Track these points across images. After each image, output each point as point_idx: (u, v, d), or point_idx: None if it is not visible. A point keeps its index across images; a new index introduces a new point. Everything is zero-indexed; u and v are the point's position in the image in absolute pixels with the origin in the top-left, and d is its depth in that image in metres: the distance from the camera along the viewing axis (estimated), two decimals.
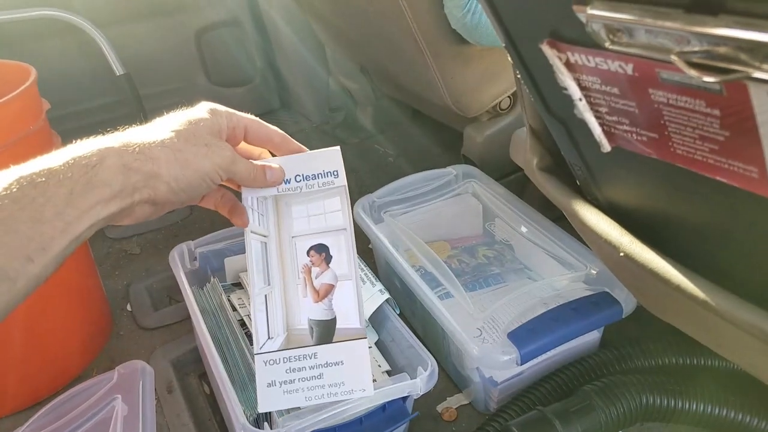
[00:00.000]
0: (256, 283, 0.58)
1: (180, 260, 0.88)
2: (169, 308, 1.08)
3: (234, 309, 0.86)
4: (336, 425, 0.66)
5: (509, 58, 0.47)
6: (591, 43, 0.33)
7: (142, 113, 1.38)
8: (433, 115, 1.42)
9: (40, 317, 0.87)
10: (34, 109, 0.83)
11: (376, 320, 0.82)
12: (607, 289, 0.78)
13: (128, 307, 1.09)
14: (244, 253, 0.92)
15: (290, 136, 0.55)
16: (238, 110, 0.51)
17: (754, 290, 0.37)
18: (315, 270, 0.58)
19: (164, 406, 0.87)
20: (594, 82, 0.37)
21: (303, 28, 1.57)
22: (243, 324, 0.83)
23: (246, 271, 0.89)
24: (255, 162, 0.53)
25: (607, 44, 0.31)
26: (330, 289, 0.58)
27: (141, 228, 1.31)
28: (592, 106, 0.39)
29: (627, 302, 0.76)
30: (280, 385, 0.57)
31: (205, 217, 1.35)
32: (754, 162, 0.30)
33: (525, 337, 0.73)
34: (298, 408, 0.70)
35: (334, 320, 0.57)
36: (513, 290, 0.84)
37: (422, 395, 0.69)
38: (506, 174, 1.17)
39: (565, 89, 0.39)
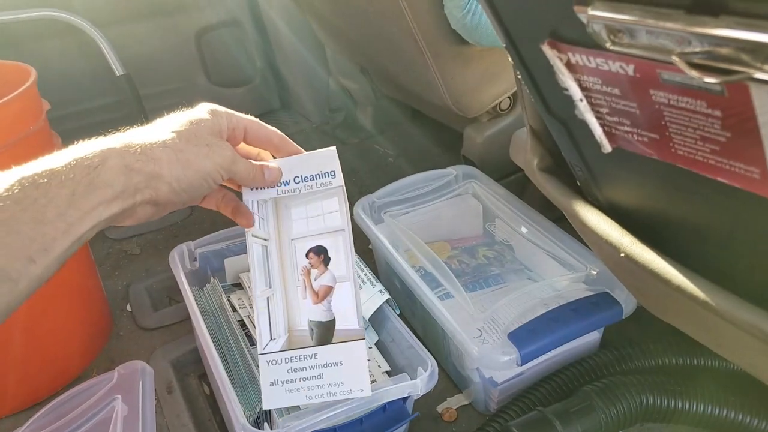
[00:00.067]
0: (257, 286, 0.59)
1: (180, 261, 0.88)
2: (169, 309, 1.08)
3: (234, 309, 0.86)
4: (336, 425, 0.66)
5: (509, 59, 0.47)
6: (592, 44, 0.33)
7: (142, 113, 1.38)
8: (433, 116, 1.42)
9: (41, 318, 0.87)
10: (34, 110, 0.83)
11: (377, 321, 0.82)
12: (607, 290, 0.78)
13: (128, 308, 1.09)
14: (245, 253, 0.92)
15: (290, 136, 0.55)
16: (238, 111, 0.51)
17: (754, 290, 0.37)
18: (314, 272, 0.58)
19: (164, 407, 0.87)
20: (595, 83, 0.37)
21: (303, 28, 1.57)
22: (243, 324, 0.83)
23: (246, 271, 0.90)
24: (253, 162, 0.53)
25: (608, 45, 0.31)
26: (329, 290, 0.58)
27: (141, 228, 1.31)
28: (593, 106, 0.39)
29: (627, 303, 0.76)
30: (282, 384, 0.58)
31: (206, 217, 1.35)
32: (756, 163, 0.30)
33: (525, 337, 0.73)
34: (298, 408, 0.70)
35: (333, 321, 0.58)
36: (513, 291, 0.84)
37: (422, 396, 0.69)
38: (506, 174, 1.17)
39: (566, 90, 0.39)
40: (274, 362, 0.58)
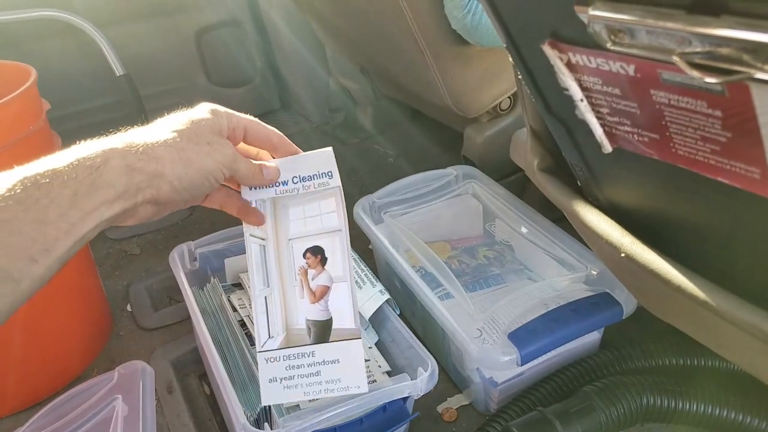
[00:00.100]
0: (256, 285, 0.59)
1: (180, 261, 0.88)
2: (169, 309, 1.08)
3: (234, 309, 0.86)
4: (336, 425, 0.66)
5: (510, 59, 0.47)
6: (592, 44, 0.33)
7: (142, 113, 1.38)
8: (433, 116, 1.42)
9: (41, 318, 0.87)
10: (35, 110, 0.83)
11: (377, 321, 0.82)
12: (607, 290, 0.78)
13: (128, 308, 1.09)
14: (245, 253, 0.92)
15: (290, 136, 0.56)
16: (238, 111, 0.51)
17: (754, 290, 0.37)
18: (311, 272, 0.59)
19: (164, 407, 0.87)
20: (595, 83, 0.37)
21: (303, 28, 1.57)
22: (243, 324, 0.83)
23: (246, 271, 0.90)
24: (252, 161, 0.53)
25: (609, 45, 0.31)
26: (326, 290, 0.59)
27: (141, 229, 1.31)
28: (594, 106, 0.39)
29: (627, 303, 0.76)
30: (281, 381, 0.59)
31: (206, 217, 1.35)
32: (756, 163, 0.30)
33: (525, 337, 0.73)
34: (299, 408, 0.70)
35: (330, 321, 0.59)
36: (513, 291, 0.84)
37: (422, 396, 0.69)
38: (506, 174, 1.17)
39: (566, 90, 0.39)
40: (272, 359, 0.59)
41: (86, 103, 1.51)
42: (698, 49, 0.27)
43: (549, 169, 0.58)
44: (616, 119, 0.38)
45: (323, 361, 0.59)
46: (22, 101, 0.77)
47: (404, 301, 0.94)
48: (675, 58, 0.27)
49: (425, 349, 0.72)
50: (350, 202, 0.99)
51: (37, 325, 0.87)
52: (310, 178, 0.56)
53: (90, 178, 0.39)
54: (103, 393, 0.67)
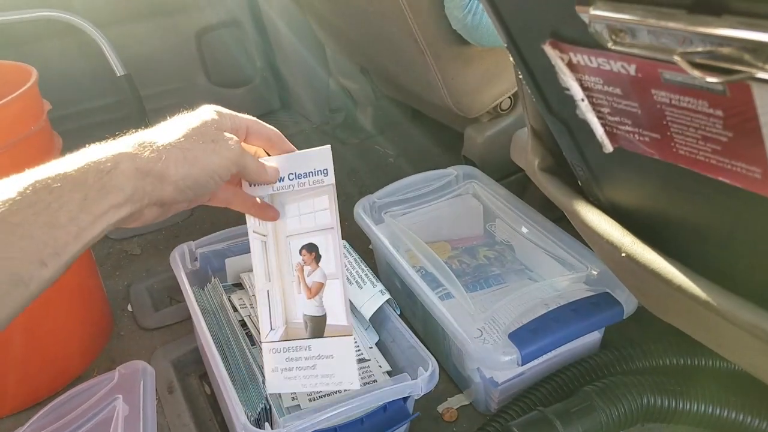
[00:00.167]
0: (258, 279, 0.62)
1: (181, 260, 0.89)
2: (170, 308, 1.08)
3: (235, 309, 0.86)
4: (337, 425, 0.66)
5: (510, 59, 0.47)
6: (593, 44, 0.33)
7: (142, 114, 1.38)
8: (433, 116, 1.42)
9: (41, 318, 0.87)
10: (35, 110, 0.83)
11: (377, 321, 0.82)
12: (608, 290, 0.78)
13: (129, 308, 1.09)
14: (245, 253, 0.94)
15: (290, 136, 0.56)
16: (239, 111, 0.53)
17: (754, 290, 0.37)
18: (307, 268, 0.61)
19: (165, 407, 0.87)
20: (596, 83, 0.37)
21: (303, 28, 1.57)
22: (244, 324, 0.83)
23: (247, 271, 0.91)
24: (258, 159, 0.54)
25: (610, 45, 0.31)
26: (320, 287, 0.61)
27: (142, 229, 1.31)
28: (595, 106, 0.39)
29: (628, 303, 0.76)
30: (282, 371, 0.63)
31: (206, 217, 1.35)
32: (757, 162, 0.30)
33: (526, 337, 0.73)
34: (298, 407, 0.70)
35: (324, 317, 0.61)
36: (514, 291, 0.84)
37: (423, 396, 0.69)
38: (507, 175, 1.17)
39: (567, 90, 0.39)
40: (274, 350, 0.63)
41: (87, 104, 1.51)
42: (699, 49, 0.27)
43: (550, 168, 0.58)
44: (617, 119, 0.38)
45: (319, 355, 0.61)
46: (23, 101, 0.77)
47: (405, 301, 0.94)
48: (676, 58, 0.27)
49: (426, 349, 0.72)
50: (350, 202, 1.00)
51: (38, 325, 0.87)
52: (306, 175, 0.57)
53: (100, 182, 0.39)
54: (103, 393, 0.67)
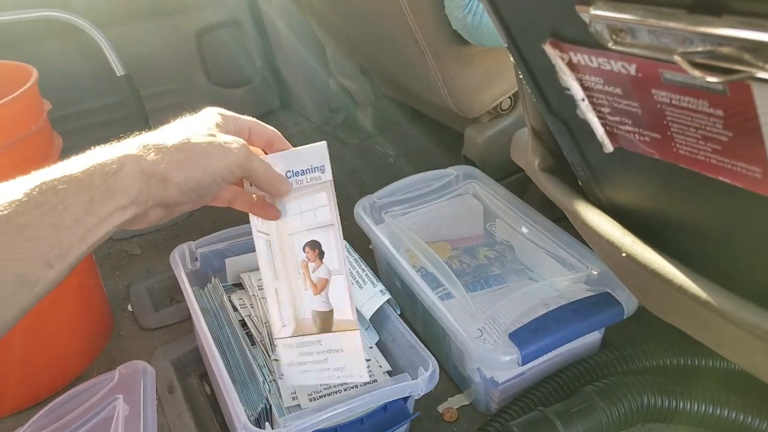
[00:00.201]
0: (266, 278, 0.64)
1: (181, 260, 0.89)
2: (170, 308, 1.08)
3: (235, 309, 0.86)
4: (337, 425, 0.66)
5: (511, 59, 0.47)
6: (594, 44, 0.33)
7: (143, 114, 1.38)
8: (433, 116, 1.42)
9: (41, 318, 0.87)
10: (35, 110, 0.83)
11: (377, 320, 0.82)
12: (608, 290, 0.78)
13: (129, 308, 1.09)
14: (245, 253, 0.94)
15: (291, 136, 0.56)
16: (239, 111, 0.53)
17: (754, 290, 0.37)
18: (311, 265, 0.61)
19: (165, 407, 0.87)
20: (597, 83, 0.37)
21: (303, 28, 1.57)
22: (244, 324, 0.83)
23: (247, 271, 0.91)
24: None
25: (610, 44, 0.31)
26: (326, 283, 0.61)
27: (142, 229, 1.30)
28: (595, 106, 0.39)
29: (628, 303, 0.76)
30: (297, 365, 0.65)
31: (206, 217, 1.35)
32: (757, 162, 0.30)
33: (526, 337, 0.73)
34: (299, 407, 0.70)
35: (331, 312, 0.62)
36: (514, 291, 0.84)
37: (423, 396, 0.69)
38: (507, 175, 1.17)
39: (568, 89, 0.39)
40: (287, 346, 0.65)
41: (87, 104, 1.51)
42: (700, 49, 0.27)
43: (550, 168, 0.58)
44: (617, 119, 0.38)
45: (329, 349, 0.63)
46: (24, 101, 0.77)
47: (405, 301, 0.94)
48: (676, 58, 0.27)
49: (426, 349, 0.72)
50: (350, 202, 1.00)
51: (38, 325, 0.87)
52: (303, 172, 0.57)
53: (106, 184, 0.40)
54: (103, 393, 0.67)
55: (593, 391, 0.74)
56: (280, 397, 0.72)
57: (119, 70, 1.36)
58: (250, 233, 0.63)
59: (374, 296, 0.81)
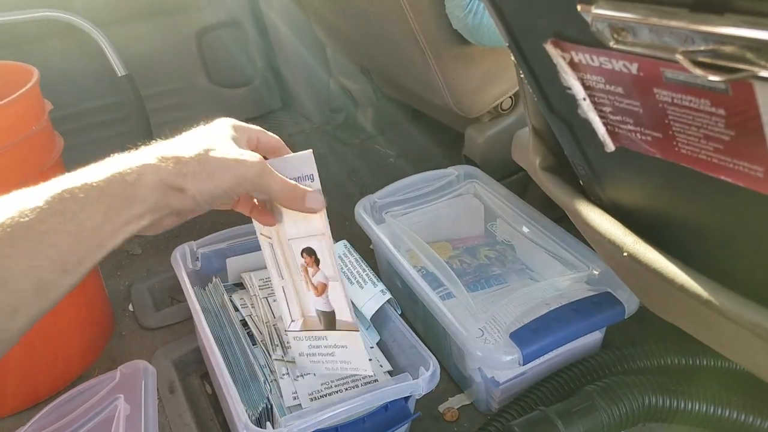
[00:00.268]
0: (273, 277, 0.68)
1: (182, 260, 0.89)
2: (171, 308, 1.08)
3: (236, 309, 0.86)
4: (338, 425, 0.66)
5: (512, 58, 0.47)
6: (595, 43, 0.33)
7: (143, 114, 1.38)
8: (433, 116, 1.42)
9: (42, 318, 0.87)
10: (37, 110, 0.83)
11: (378, 320, 0.82)
12: (609, 290, 0.78)
13: (130, 308, 1.09)
14: (246, 253, 0.94)
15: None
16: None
17: (756, 289, 0.37)
18: (310, 270, 0.63)
19: (166, 406, 0.87)
20: (598, 82, 0.37)
21: (303, 28, 1.57)
22: (245, 324, 0.83)
23: (248, 271, 0.91)
24: (295, 184, 0.53)
25: (612, 43, 0.31)
26: (324, 287, 0.64)
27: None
28: (596, 105, 0.39)
29: (629, 303, 0.76)
30: (307, 356, 0.71)
31: (207, 217, 1.33)
32: (759, 161, 0.30)
33: (527, 337, 0.73)
34: (300, 407, 0.70)
35: (333, 312, 0.65)
36: (515, 291, 0.84)
37: (424, 395, 0.69)
38: (508, 174, 1.17)
39: (569, 89, 0.39)
40: (297, 338, 0.70)
41: (88, 104, 1.51)
42: (702, 48, 0.27)
43: (551, 168, 0.58)
44: (618, 118, 0.38)
45: (335, 344, 0.68)
46: (25, 101, 0.77)
47: (406, 301, 0.94)
48: (678, 57, 0.27)
49: (427, 349, 0.72)
50: (351, 202, 1.00)
51: (39, 325, 0.86)
52: (295, 180, 0.57)
53: (125, 193, 0.40)
54: (104, 392, 0.67)
55: (594, 391, 0.74)
56: (281, 396, 0.72)
57: (120, 70, 1.36)
58: (251, 233, 0.64)
59: (375, 296, 0.81)
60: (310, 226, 0.59)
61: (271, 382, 0.73)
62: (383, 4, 0.94)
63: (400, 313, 0.81)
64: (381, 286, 0.82)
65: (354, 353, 0.67)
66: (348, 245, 0.89)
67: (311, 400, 0.72)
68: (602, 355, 0.82)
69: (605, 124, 0.40)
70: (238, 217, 0.62)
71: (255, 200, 0.59)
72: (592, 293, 0.79)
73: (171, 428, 0.84)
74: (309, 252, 0.62)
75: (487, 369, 0.79)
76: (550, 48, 0.37)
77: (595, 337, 0.85)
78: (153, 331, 1.03)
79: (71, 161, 0.97)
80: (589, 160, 0.50)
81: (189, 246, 0.91)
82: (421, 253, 0.89)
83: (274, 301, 0.83)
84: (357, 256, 0.88)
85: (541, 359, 0.78)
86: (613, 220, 0.48)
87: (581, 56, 0.36)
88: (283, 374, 0.74)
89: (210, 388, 0.92)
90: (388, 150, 1.60)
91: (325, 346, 0.68)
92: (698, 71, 0.27)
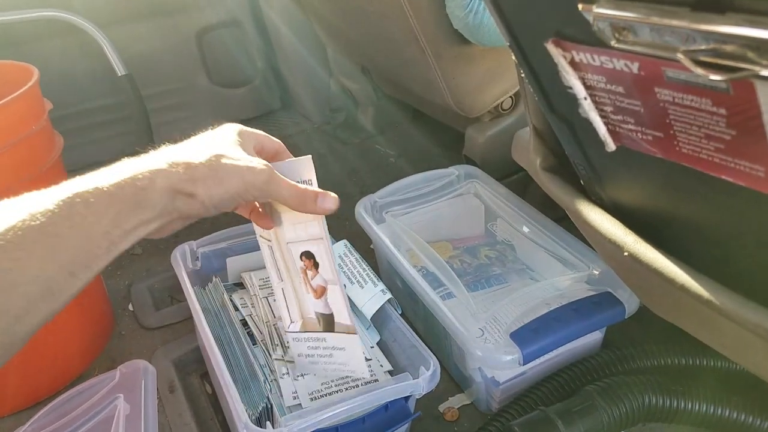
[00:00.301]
0: (272, 279, 0.68)
1: (182, 260, 0.88)
2: (171, 308, 1.08)
3: (236, 308, 0.86)
4: (338, 424, 0.66)
5: (513, 58, 0.47)
6: (596, 42, 0.33)
7: (144, 114, 1.38)
8: (434, 116, 1.42)
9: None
10: (37, 110, 0.83)
11: (378, 320, 0.82)
12: (609, 290, 0.78)
13: (130, 307, 1.09)
14: (246, 253, 0.94)
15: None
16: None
17: (757, 289, 0.37)
18: (309, 273, 0.64)
19: (166, 406, 0.87)
20: (599, 81, 0.37)
21: (304, 28, 1.57)
22: (245, 323, 0.83)
23: (247, 270, 0.91)
24: (304, 187, 0.53)
25: (613, 43, 0.31)
26: (323, 290, 0.64)
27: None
28: (597, 105, 0.39)
29: (629, 302, 0.76)
30: (306, 357, 0.71)
31: (207, 218, 1.34)
32: (760, 161, 0.30)
33: (527, 337, 0.72)
34: (300, 407, 0.70)
35: (332, 314, 0.65)
36: (515, 290, 0.84)
37: (424, 395, 0.69)
38: (508, 174, 1.17)
39: (570, 88, 0.39)
40: (297, 339, 0.70)
41: (88, 103, 1.51)
42: (703, 47, 0.27)
43: (552, 168, 0.58)
44: (619, 117, 0.38)
45: (333, 346, 0.68)
46: (25, 101, 0.77)
47: (406, 301, 0.94)
48: (679, 56, 0.27)
49: (427, 349, 0.72)
50: (351, 202, 1.00)
51: None
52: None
53: (135, 198, 0.40)
54: (104, 392, 0.67)
55: (594, 391, 0.74)
56: (281, 396, 0.72)
57: (120, 70, 1.36)
58: (251, 233, 0.64)
59: (375, 296, 0.81)
60: (308, 231, 0.59)
61: (271, 381, 0.73)
62: (383, 3, 0.94)
63: (400, 312, 0.81)
64: (381, 285, 0.82)
65: (351, 355, 0.67)
66: (348, 245, 0.89)
67: (311, 399, 0.72)
68: (602, 355, 0.82)
69: (606, 124, 0.40)
70: (238, 217, 0.62)
71: (255, 203, 0.59)
72: (592, 293, 0.79)
73: (171, 428, 0.84)
74: (308, 255, 0.62)
75: (487, 369, 0.78)
76: (551, 47, 0.37)
77: (596, 337, 0.85)
78: (153, 330, 1.03)
79: (71, 161, 0.97)
80: (589, 160, 0.49)
81: (189, 246, 0.91)
82: (421, 252, 0.89)
83: (274, 300, 0.83)
84: (357, 255, 0.88)
85: (542, 359, 0.78)
86: (614, 219, 0.48)
87: (582, 55, 0.36)
88: (283, 374, 0.74)
89: (210, 388, 0.92)
90: (389, 150, 1.60)
91: (323, 348, 0.68)
92: (699, 70, 0.27)
